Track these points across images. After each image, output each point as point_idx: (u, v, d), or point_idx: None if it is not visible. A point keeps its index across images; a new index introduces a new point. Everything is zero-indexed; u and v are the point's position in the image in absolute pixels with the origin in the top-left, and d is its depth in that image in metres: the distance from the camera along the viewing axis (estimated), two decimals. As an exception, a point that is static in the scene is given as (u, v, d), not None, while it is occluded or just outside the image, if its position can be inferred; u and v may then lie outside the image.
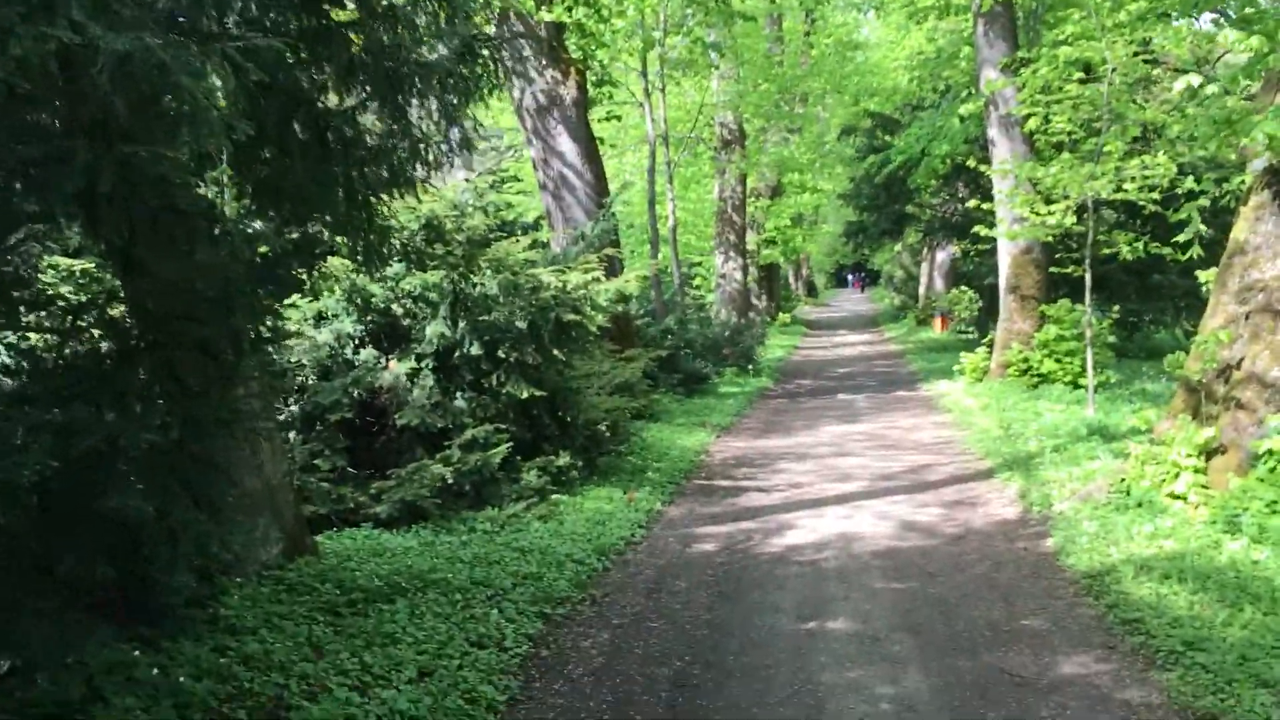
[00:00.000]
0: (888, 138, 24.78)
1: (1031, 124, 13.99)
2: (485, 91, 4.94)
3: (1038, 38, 17.67)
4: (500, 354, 8.39)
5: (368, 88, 4.07)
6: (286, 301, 5.87)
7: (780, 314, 37.40)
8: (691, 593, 6.40)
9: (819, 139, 30.68)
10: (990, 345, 17.59)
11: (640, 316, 17.74)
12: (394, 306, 8.53)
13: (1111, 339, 16.51)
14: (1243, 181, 12.86)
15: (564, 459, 8.75)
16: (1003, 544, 7.33)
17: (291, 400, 8.12)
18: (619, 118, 17.91)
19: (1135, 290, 21.01)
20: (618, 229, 14.79)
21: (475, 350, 8.27)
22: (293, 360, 8.00)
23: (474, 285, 8.31)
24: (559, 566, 6.64)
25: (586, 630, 5.73)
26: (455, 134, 4.78)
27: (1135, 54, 14.29)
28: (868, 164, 24.30)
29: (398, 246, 7.50)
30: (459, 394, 8.39)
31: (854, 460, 11.06)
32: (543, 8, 13.39)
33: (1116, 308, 18.18)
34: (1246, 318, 7.11)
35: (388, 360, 8.37)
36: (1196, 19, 19.83)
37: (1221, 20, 17.83)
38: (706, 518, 8.55)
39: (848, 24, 32.13)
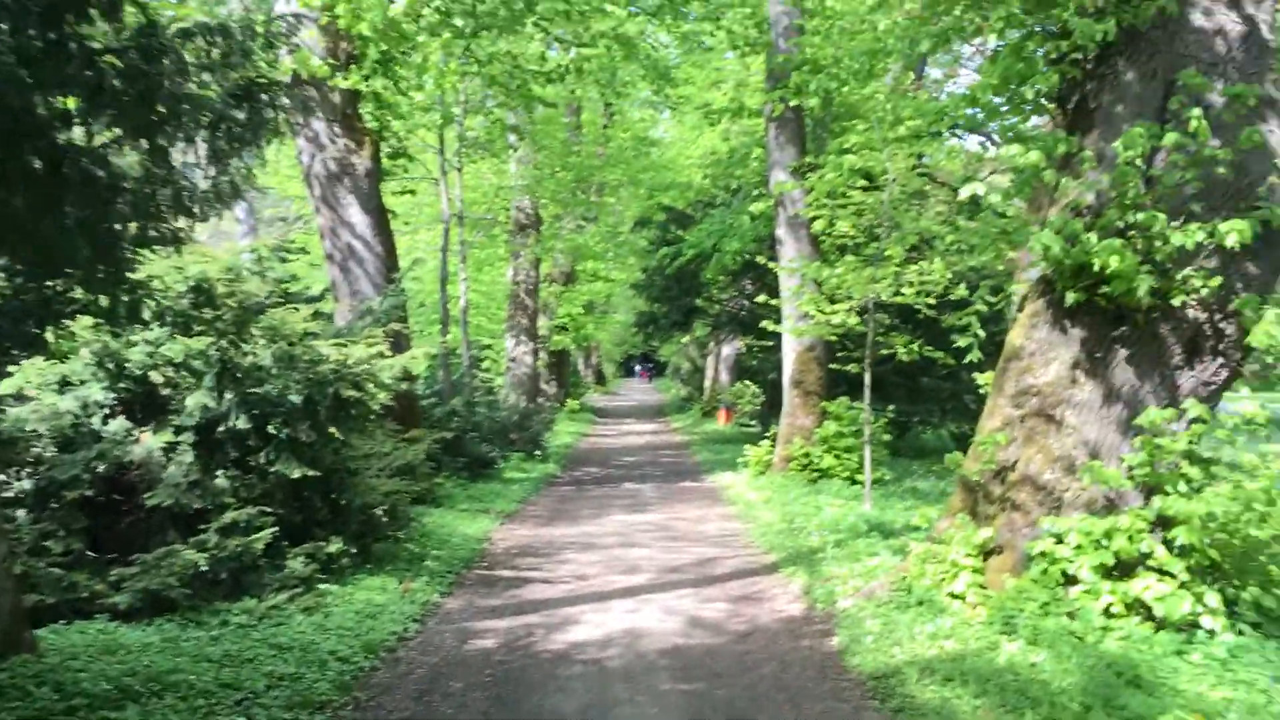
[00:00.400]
0: (680, 232, 25.27)
1: (818, 226, 14.42)
2: (264, 141, 4.52)
3: (824, 145, 18.45)
4: (270, 429, 7.75)
5: (121, 122, 3.57)
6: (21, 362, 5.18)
7: (569, 400, 37.28)
8: (467, 695, 5.92)
9: (613, 229, 31.05)
10: (773, 439, 17.89)
11: (426, 396, 17.17)
12: (152, 374, 7.77)
13: (886, 437, 17.06)
14: (1013, 292, 13.63)
15: (335, 545, 8.12)
16: (788, 642, 7.19)
17: (23, 473, 7.23)
18: (413, 192, 17.47)
19: (906, 391, 21.93)
20: (406, 305, 14.28)
21: (242, 424, 7.61)
22: (26, 429, 7.13)
23: (245, 355, 7.68)
24: (321, 666, 6.04)
25: (347, 740, 5.18)
26: (226, 184, 4.32)
27: (913, 168, 15.07)
28: (660, 255, 24.68)
29: (156, 307, 6.86)
30: (221, 472, 7.68)
31: (641, 551, 10.82)
32: (338, 74, 12.94)
33: (891, 407, 18.87)
34: (1022, 420, 7.32)
35: (140, 432, 7.59)
36: (963, 138, 21.21)
37: (993, 140, 19.08)
38: (487, 610, 8.08)
39: (644, 120, 32.92)
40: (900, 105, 14.71)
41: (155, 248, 4.63)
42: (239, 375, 7.65)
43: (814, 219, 14.68)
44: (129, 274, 4.18)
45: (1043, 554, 6.78)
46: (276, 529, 7.53)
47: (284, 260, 21.14)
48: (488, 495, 14.36)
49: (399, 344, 14.00)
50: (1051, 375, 7.18)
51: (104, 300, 4.38)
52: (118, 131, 3.69)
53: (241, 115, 4.02)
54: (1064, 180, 6.94)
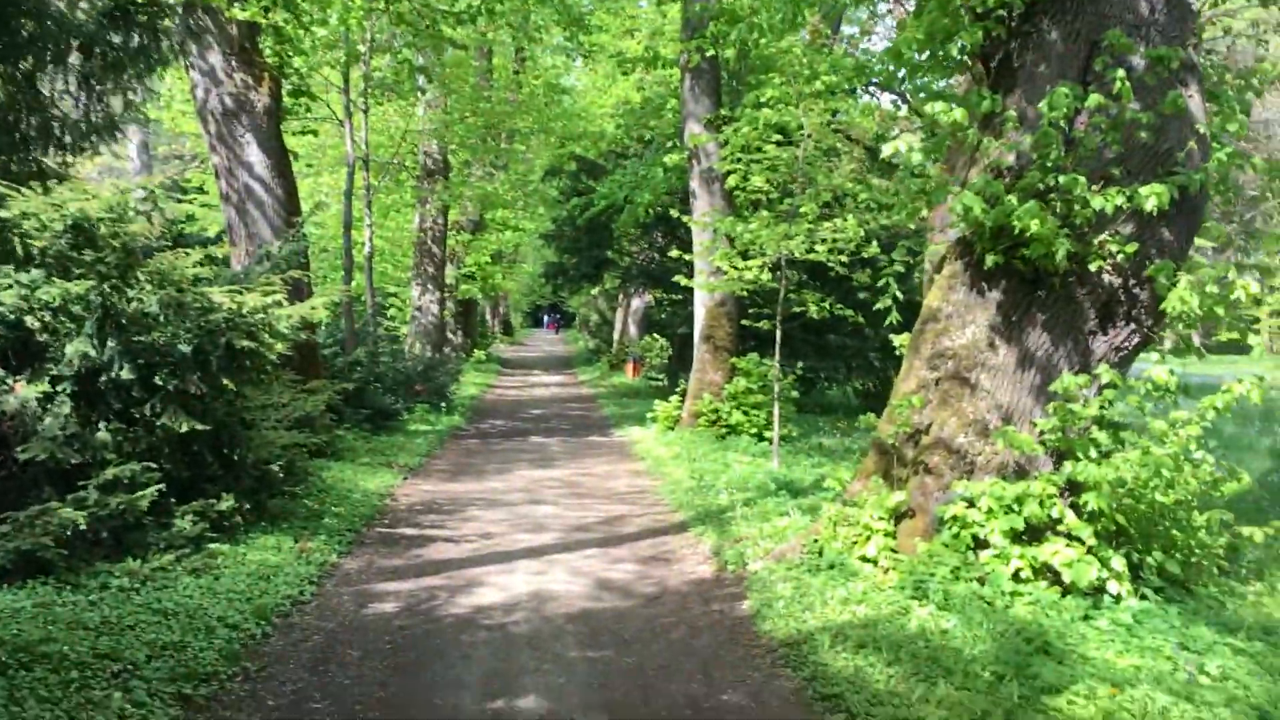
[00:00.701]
0: (591, 182, 24.90)
1: (732, 180, 14.26)
2: (146, 71, 4.12)
3: (740, 98, 18.23)
4: (158, 381, 7.31)
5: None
6: None
7: (476, 350, 36.80)
8: (364, 664, 5.65)
9: (523, 177, 30.49)
10: (683, 394, 17.79)
11: (327, 346, 16.64)
12: (27, 319, 7.24)
13: (794, 394, 17.08)
14: (928, 253, 13.59)
15: (227, 503, 7.73)
16: (699, 606, 7.06)
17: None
18: (315, 133, 16.79)
19: (813, 348, 22.02)
20: (308, 250, 13.73)
21: (126, 375, 7.16)
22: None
23: (130, 301, 7.21)
24: (208, 633, 5.71)
25: (234, 715, 4.87)
26: (100, 115, 3.92)
27: (827, 124, 14.95)
28: (571, 206, 24.28)
29: (26, 246, 6.37)
30: (103, 425, 7.23)
31: (547, 509, 10.62)
32: (235, 5, 12.26)
33: (800, 364, 18.91)
34: (937, 383, 7.26)
35: (14, 382, 7.09)
36: (876, 96, 21.17)
37: (905, 99, 19.05)
38: (388, 571, 7.80)
39: (557, 67, 32.27)
40: (817, 60, 14.57)
41: (29, 183, 4.24)
42: (123, 322, 7.17)
43: (728, 173, 14.53)
44: (-10, 211, 3.76)
45: (954, 518, 6.74)
46: (162, 485, 7.12)
47: (179, 200, 20.27)
48: (391, 448, 13.99)
49: (299, 291, 13.48)
50: (968, 338, 7.12)
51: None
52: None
53: (117, 39, 3.62)
54: (985, 140, 6.82)
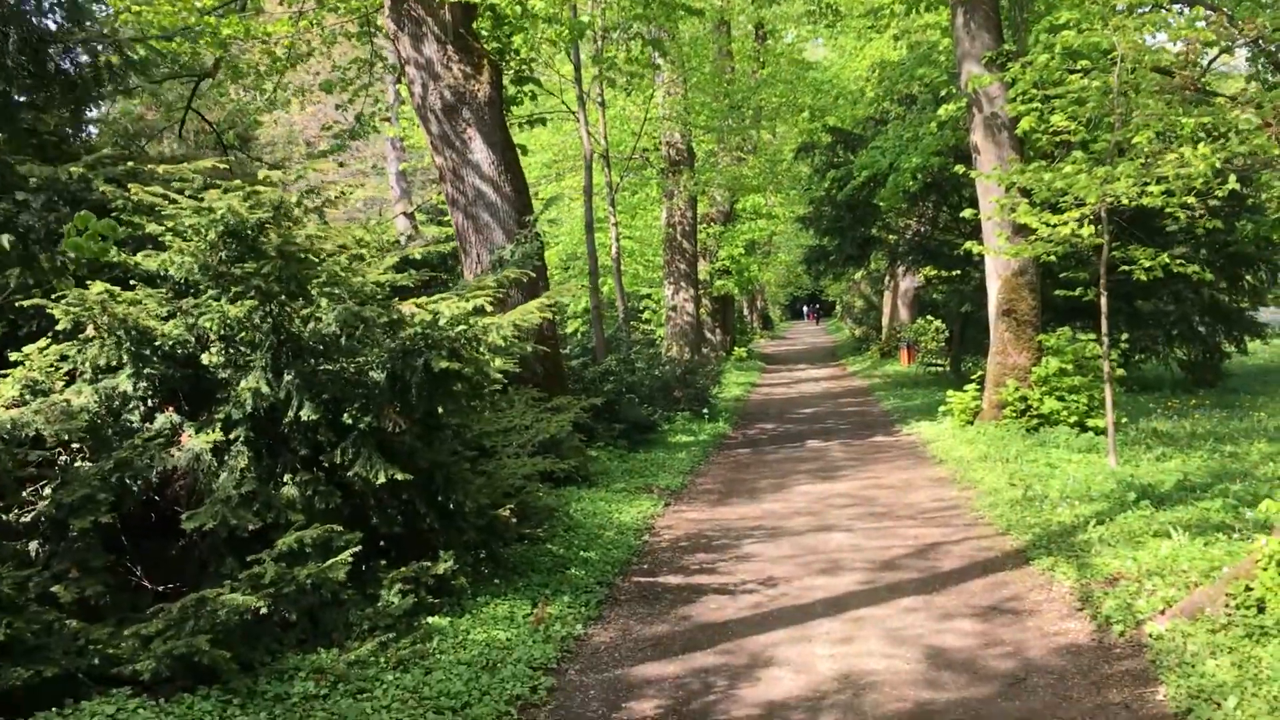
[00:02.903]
0: (850, 155, 22.59)
1: (1025, 123, 11.82)
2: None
3: (1024, 29, 15.53)
4: (346, 419, 5.84)
5: None
6: None
7: (736, 348, 35.08)
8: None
9: (773, 159, 28.46)
10: (979, 382, 15.25)
11: (575, 357, 15.25)
12: (203, 356, 5.91)
13: (1121, 372, 14.26)
14: None
15: (445, 563, 6.17)
16: (1088, 695, 4.86)
17: (46, 490, 5.53)
18: (544, 121, 15.42)
19: (1124, 317, 18.89)
20: (543, 251, 12.30)
21: (308, 414, 5.71)
22: (27, 432, 5.40)
23: (306, 321, 5.77)
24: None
25: None
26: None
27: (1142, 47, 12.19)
28: (828, 180, 22.05)
29: (183, 262, 4.99)
30: (287, 478, 5.83)
31: (840, 538, 8.60)
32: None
33: (1125, 336, 15.98)
34: None
35: (183, 430, 5.80)
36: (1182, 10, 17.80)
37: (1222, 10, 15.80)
38: (647, 644, 6.01)
39: (802, 38, 30.02)
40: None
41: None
42: (300, 348, 5.74)
43: (1017, 118, 12.10)
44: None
45: None
46: (359, 548, 5.62)
47: (440, 224, 19.49)
48: (650, 468, 12.33)
49: (535, 293, 12.09)
50: None
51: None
52: None
53: None
54: None
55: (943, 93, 17.47)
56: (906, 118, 20.79)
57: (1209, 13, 16.97)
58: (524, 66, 13.39)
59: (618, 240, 20.21)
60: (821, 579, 7.27)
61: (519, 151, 13.01)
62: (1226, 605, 5.28)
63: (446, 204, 12.66)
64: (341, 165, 46.90)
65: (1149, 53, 12.28)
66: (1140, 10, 12.07)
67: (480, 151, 11.98)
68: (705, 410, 17.77)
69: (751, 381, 27.43)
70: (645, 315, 29.36)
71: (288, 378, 5.71)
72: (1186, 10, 16.80)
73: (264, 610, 5.19)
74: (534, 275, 11.55)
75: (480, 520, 6.56)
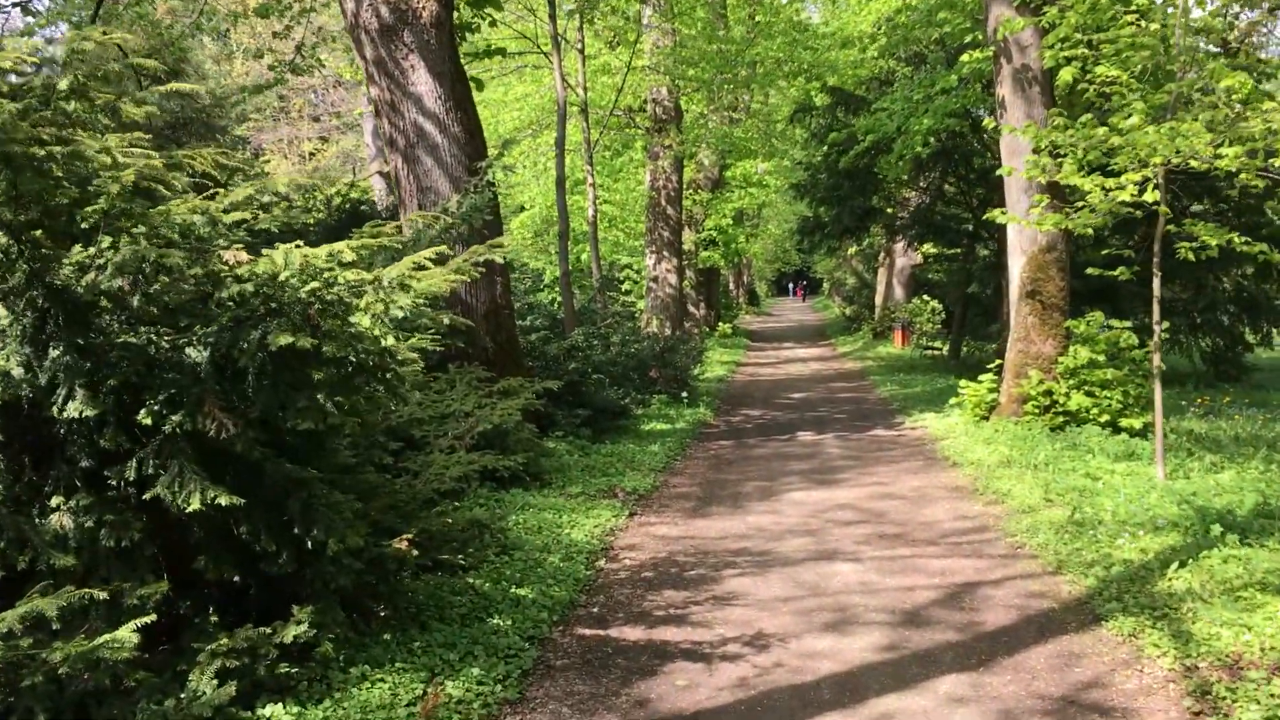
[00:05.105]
0: (851, 118, 20.66)
1: (1066, 74, 10.00)
2: None
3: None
4: (145, 418, 3.94)
5: None
6: None
7: (720, 324, 33.23)
8: None
9: (766, 120, 26.49)
10: (997, 371, 13.42)
11: (538, 330, 13.36)
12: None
13: (1162, 366, 12.47)
14: None
15: (298, 626, 4.30)
16: None
17: None
18: (503, 52, 13.44)
19: (1145, 302, 17.20)
20: (498, 204, 10.38)
21: (80, 408, 3.82)
22: None
23: (82, 271, 3.85)
24: None
25: None
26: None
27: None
28: (829, 142, 20.13)
29: None
30: (59, 500, 3.94)
31: (847, 571, 6.76)
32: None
33: (1166, 324, 14.18)
34: None
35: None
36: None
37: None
38: (583, 752, 4.18)
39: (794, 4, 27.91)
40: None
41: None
42: (74, 311, 3.83)
43: (1056, 67, 10.30)
44: None
45: None
46: (153, 615, 3.73)
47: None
48: (615, 464, 10.44)
49: (492, 269, 10.21)
50: None
51: None
52: None
53: None
54: None
55: (966, 39, 15.56)
56: (915, 77, 18.88)
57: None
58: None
59: (595, 203, 18.29)
60: (827, 639, 5.43)
61: (472, 86, 11.06)
62: None
63: (386, 144, 10.71)
64: (317, 120, 44.69)
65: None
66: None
67: (423, 83, 10.04)
68: (684, 393, 15.90)
69: (736, 360, 25.59)
70: (625, 286, 27.39)
71: (54, 353, 3.80)
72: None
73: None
74: (485, 232, 9.66)
75: (357, 561, 4.65)
